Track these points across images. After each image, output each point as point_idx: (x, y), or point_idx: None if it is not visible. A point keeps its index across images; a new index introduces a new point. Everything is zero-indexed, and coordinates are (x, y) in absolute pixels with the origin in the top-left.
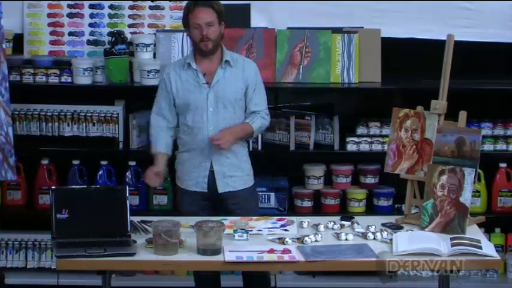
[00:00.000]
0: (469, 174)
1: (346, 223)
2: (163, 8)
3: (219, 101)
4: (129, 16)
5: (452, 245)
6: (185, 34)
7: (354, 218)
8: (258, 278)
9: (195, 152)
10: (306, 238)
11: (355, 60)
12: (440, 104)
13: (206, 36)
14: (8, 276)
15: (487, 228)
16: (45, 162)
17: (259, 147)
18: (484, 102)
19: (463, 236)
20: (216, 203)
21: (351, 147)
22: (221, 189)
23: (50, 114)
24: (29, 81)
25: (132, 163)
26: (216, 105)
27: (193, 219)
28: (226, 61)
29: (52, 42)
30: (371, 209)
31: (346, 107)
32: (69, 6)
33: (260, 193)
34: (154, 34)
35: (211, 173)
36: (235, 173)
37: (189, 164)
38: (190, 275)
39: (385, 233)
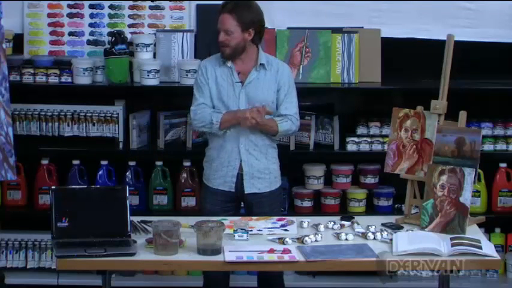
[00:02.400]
0: (469, 174)
1: (346, 223)
2: (163, 8)
3: (250, 101)
4: (129, 16)
5: (452, 245)
6: (185, 34)
7: (354, 218)
8: (272, 279)
9: (224, 151)
10: (306, 238)
11: (355, 60)
12: (440, 104)
13: (222, 42)
14: (8, 276)
15: (487, 228)
16: (45, 162)
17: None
18: (484, 102)
19: (463, 236)
20: (239, 205)
21: (351, 147)
22: (247, 189)
23: (50, 114)
24: (29, 81)
25: (132, 163)
26: (247, 106)
27: (195, 219)
28: (261, 64)
29: (52, 42)
30: (371, 209)
31: (346, 107)
32: (69, 6)
33: None
34: (154, 34)
35: (240, 173)
36: (263, 174)
37: (218, 162)
38: (190, 275)
39: (385, 233)
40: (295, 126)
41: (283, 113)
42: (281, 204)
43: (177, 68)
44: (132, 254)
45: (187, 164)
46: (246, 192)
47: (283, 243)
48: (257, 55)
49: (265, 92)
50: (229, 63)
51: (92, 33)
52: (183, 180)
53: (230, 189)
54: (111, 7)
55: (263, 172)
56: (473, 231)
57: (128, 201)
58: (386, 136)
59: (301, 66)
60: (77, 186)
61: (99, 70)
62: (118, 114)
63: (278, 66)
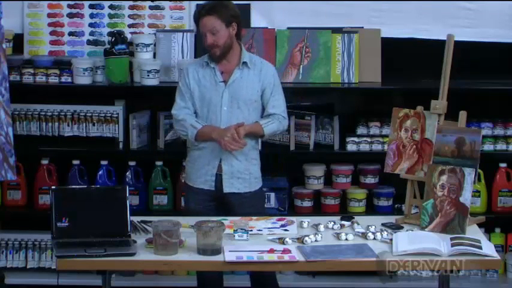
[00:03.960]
0: (469, 174)
1: (346, 223)
2: (163, 8)
3: (233, 100)
4: (129, 16)
5: (452, 245)
6: (185, 34)
7: (354, 218)
8: (264, 279)
9: (205, 150)
10: (306, 238)
11: (355, 60)
12: (440, 104)
13: (212, 44)
14: (8, 276)
15: (487, 228)
16: (45, 162)
17: (259, 147)
18: (484, 102)
19: (463, 236)
20: (221, 205)
21: (351, 147)
22: (226, 189)
23: (50, 114)
24: (29, 81)
25: (132, 163)
26: (231, 105)
27: (195, 219)
28: (244, 62)
29: (52, 42)
30: (371, 209)
31: (346, 107)
32: (69, 6)
33: None
34: (154, 34)
35: (219, 173)
36: (243, 175)
37: (199, 161)
38: (190, 275)
39: (385, 233)
40: (283, 125)
41: (271, 112)
42: (263, 208)
43: (177, 68)
44: (132, 254)
45: None
46: (224, 192)
47: (283, 243)
48: (240, 54)
49: (248, 91)
50: (212, 64)
51: (92, 33)
52: (183, 180)
53: (210, 188)
54: (111, 7)
55: (243, 173)
56: (473, 231)
57: (128, 201)
58: (386, 136)
59: (301, 66)
60: (77, 186)
61: (99, 70)
62: (118, 114)
63: (262, 66)
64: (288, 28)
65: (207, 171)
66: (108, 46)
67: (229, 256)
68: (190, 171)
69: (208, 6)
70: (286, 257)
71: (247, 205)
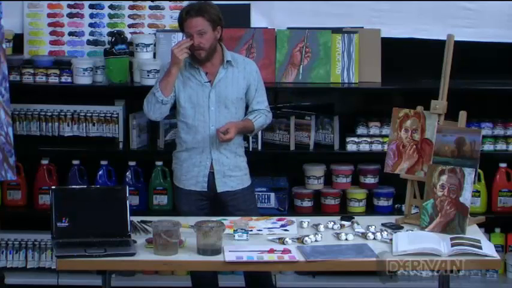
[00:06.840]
0: (469, 174)
1: (346, 223)
2: (163, 8)
3: (220, 100)
4: (129, 16)
5: (452, 245)
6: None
7: (354, 218)
8: (261, 279)
9: (194, 151)
10: (306, 238)
11: (355, 60)
12: (440, 104)
13: (199, 46)
14: (8, 276)
15: (487, 228)
16: (45, 162)
17: (259, 147)
18: (484, 102)
19: (463, 236)
20: (214, 203)
21: (351, 147)
22: (220, 188)
23: (50, 114)
24: (29, 81)
25: (132, 163)
26: (218, 105)
27: (192, 219)
28: (228, 61)
29: (52, 42)
30: (371, 209)
31: (346, 107)
32: (69, 6)
33: (260, 193)
34: (154, 34)
35: (211, 172)
36: (234, 172)
37: (189, 163)
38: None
39: (385, 233)
40: (269, 118)
41: (256, 108)
42: (256, 204)
43: None
44: (132, 254)
45: None
46: (218, 191)
47: (283, 243)
48: (222, 53)
49: (234, 90)
50: (195, 64)
51: (92, 33)
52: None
53: (202, 189)
54: (111, 7)
55: (234, 170)
56: (473, 231)
57: (127, 201)
58: (386, 136)
59: (301, 66)
60: (77, 186)
61: (99, 70)
62: (118, 114)
63: (245, 64)
64: (288, 28)
65: (199, 172)
66: (108, 46)
67: (229, 256)
68: (179, 173)
69: (197, 7)
70: (286, 257)
71: (241, 200)
